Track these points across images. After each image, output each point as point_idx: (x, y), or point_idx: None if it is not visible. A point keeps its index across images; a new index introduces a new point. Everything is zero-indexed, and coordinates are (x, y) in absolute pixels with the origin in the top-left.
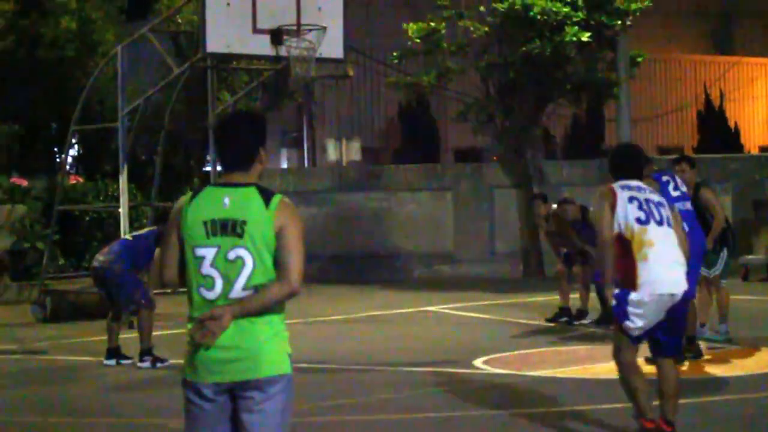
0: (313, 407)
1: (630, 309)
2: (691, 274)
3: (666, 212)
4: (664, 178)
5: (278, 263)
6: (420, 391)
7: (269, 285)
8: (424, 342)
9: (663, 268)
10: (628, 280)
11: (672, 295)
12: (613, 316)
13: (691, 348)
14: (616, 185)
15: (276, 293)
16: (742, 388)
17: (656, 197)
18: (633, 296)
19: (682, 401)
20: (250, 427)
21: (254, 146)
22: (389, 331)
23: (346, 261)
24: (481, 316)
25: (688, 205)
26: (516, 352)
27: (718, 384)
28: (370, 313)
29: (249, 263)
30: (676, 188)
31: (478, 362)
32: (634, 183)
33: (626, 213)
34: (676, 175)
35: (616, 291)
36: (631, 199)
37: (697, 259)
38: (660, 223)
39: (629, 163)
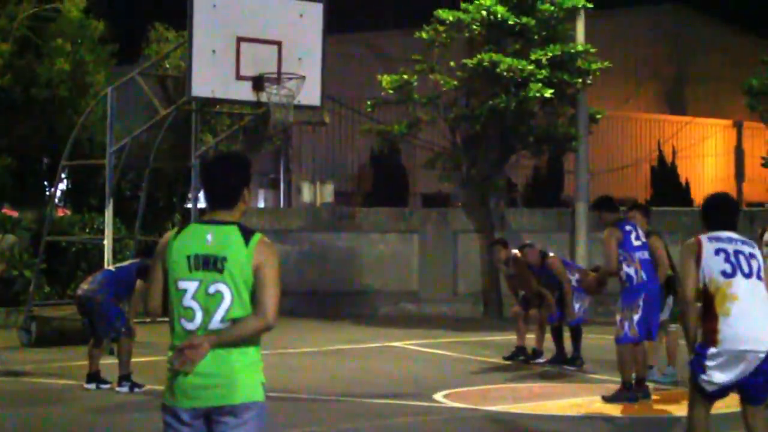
0: None
1: (708, 363)
2: (652, 322)
3: (757, 264)
4: (627, 228)
5: (255, 298)
6: (382, 422)
7: (246, 318)
8: (387, 375)
9: (746, 323)
10: (709, 335)
11: (756, 352)
12: (690, 369)
13: (639, 389)
14: (704, 237)
15: (252, 327)
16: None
17: (748, 249)
18: (711, 351)
19: None
20: None
21: (239, 186)
22: (355, 364)
23: (317, 297)
24: (443, 352)
25: (647, 254)
26: (474, 388)
27: (668, 423)
28: (337, 347)
29: (227, 297)
30: (637, 238)
31: (438, 396)
32: (725, 234)
33: (711, 266)
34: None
35: (697, 345)
36: (717, 252)
37: (652, 307)
38: (748, 275)
39: (720, 213)
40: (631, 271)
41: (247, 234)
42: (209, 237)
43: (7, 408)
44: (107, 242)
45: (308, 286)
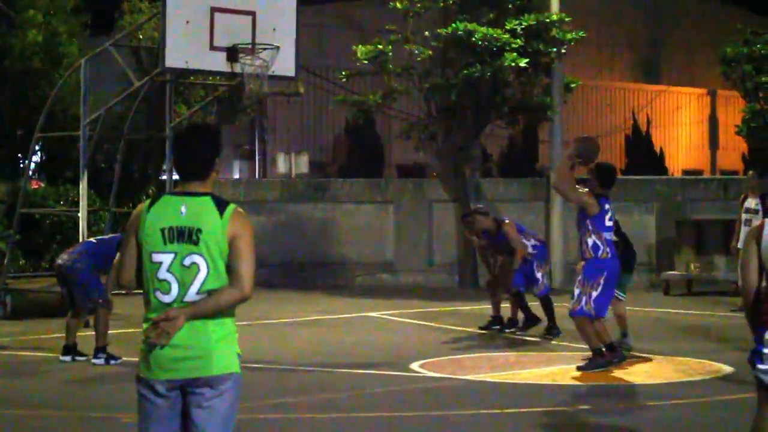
0: (258, 405)
1: (765, 351)
2: (607, 297)
3: None
4: (606, 206)
5: (230, 269)
6: (358, 392)
7: (222, 290)
8: (363, 346)
9: None
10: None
11: None
12: (749, 363)
13: (613, 354)
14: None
15: (228, 298)
16: (668, 395)
17: None
18: None
19: (608, 406)
20: (199, 421)
21: (211, 158)
22: (331, 334)
23: (292, 268)
24: (419, 322)
25: (613, 236)
26: (450, 357)
27: (629, 391)
28: (313, 318)
29: (203, 269)
30: (611, 218)
31: (414, 365)
32: None
33: None
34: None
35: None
36: None
37: (611, 285)
38: None
39: None
40: (599, 242)
41: (221, 205)
42: (183, 209)
43: None
44: (82, 214)
45: (284, 257)
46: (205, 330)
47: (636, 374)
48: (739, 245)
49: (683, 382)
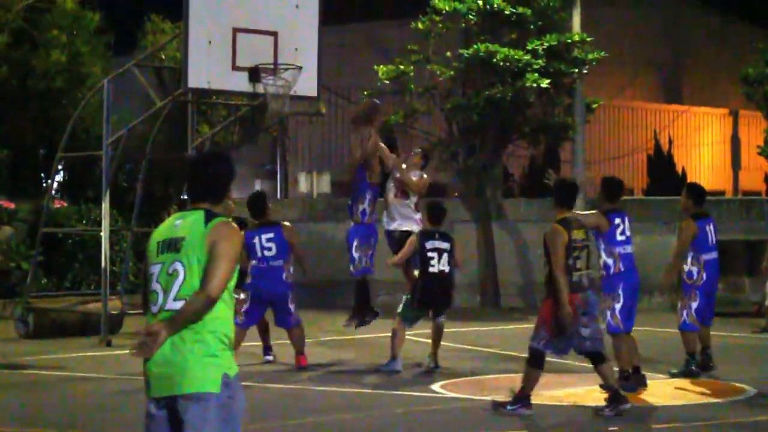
0: (279, 425)
1: None
2: (633, 312)
3: None
4: (617, 220)
5: (203, 273)
6: (380, 411)
7: (192, 295)
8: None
9: None
10: None
11: None
12: None
13: (637, 378)
14: None
15: (195, 301)
16: (672, 419)
17: None
18: None
19: (630, 428)
20: None
21: (223, 183)
22: (352, 354)
23: (314, 287)
24: (441, 342)
25: (629, 249)
26: (472, 378)
27: (652, 413)
28: (335, 337)
29: (181, 275)
30: (623, 232)
31: (436, 386)
32: None
33: None
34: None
35: None
36: None
37: (630, 296)
38: None
39: None
40: (610, 261)
41: (210, 216)
42: (178, 223)
43: (5, 398)
44: (104, 233)
45: (306, 276)
46: (183, 347)
47: (659, 396)
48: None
49: (706, 404)
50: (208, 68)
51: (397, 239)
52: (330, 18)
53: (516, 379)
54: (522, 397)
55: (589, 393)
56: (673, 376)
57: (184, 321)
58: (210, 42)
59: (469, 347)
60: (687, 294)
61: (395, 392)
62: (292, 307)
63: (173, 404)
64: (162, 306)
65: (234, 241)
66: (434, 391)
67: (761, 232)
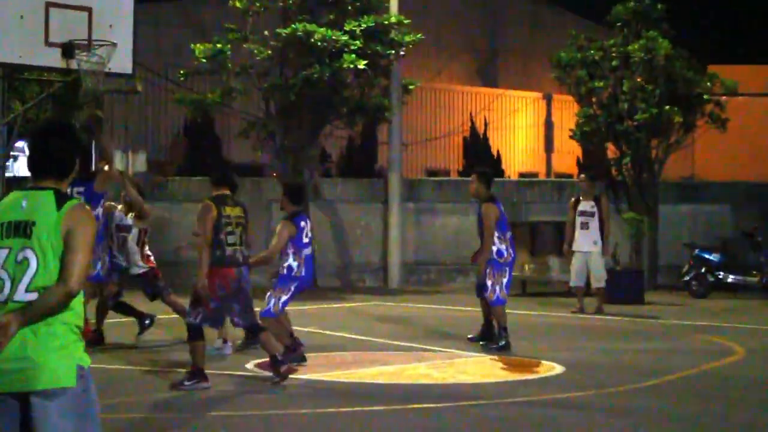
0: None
1: None
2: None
3: None
4: (302, 224)
5: (61, 264)
6: (190, 392)
7: (49, 288)
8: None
9: None
10: None
11: None
12: None
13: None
14: None
15: (53, 295)
16: (497, 394)
17: None
18: None
19: (435, 405)
20: None
21: (70, 158)
22: (160, 334)
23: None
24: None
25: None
26: None
27: (475, 389)
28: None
29: (33, 264)
30: (308, 235)
31: (249, 365)
32: None
33: None
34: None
35: None
36: None
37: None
38: None
39: None
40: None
41: (61, 199)
42: (24, 203)
43: None
44: None
45: None
46: (35, 341)
47: (470, 374)
48: (575, 248)
49: (515, 381)
50: (20, 43)
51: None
52: None
53: (330, 357)
54: (196, 372)
55: (404, 371)
56: (472, 340)
57: (41, 315)
58: (22, 16)
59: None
60: (499, 271)
61: (208, 372)
62: None
63: (23, 400)
64: (9, 296)
65: (91, 228)
66: (248, 370)
67: None
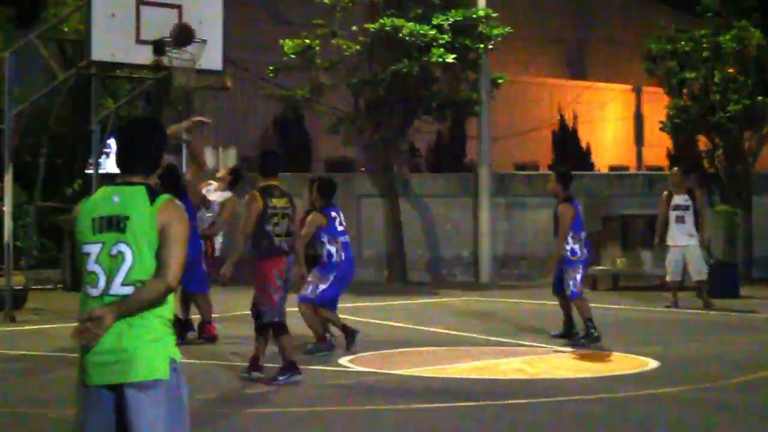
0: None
1: None
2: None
3: None
4: (333, 214)
5: (158, 260)
6: (291, 386)
7: (147, 282)
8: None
9: None
10: None
11: None
12: None
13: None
14: None
15: (152, 290)
16: (592, 390)
17: None
18: None
19: (532, 401)
20: (131, 427)
21: (157, 152)
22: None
23: (218, 259)
24: (348, 317)
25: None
26: (380, 352)
27: (570, 385)
28: (239, 312)
29: (128, 258)
30: (341, 223)
31: (344, 360)
32: None
33: None
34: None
35: None
36: None
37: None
38: None
39: None
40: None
41: (153, 194)
42: (116, 198)
43: None
44: (7, 208)
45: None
46: (129, 333)
47: (565, 368)
48: (671, 243)
49: (610, 377)
50: (112, 41)
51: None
52: None
53: (422, 353)
54: (290, 365)
55: (496, 366)
56: (555, 337)
57: (137, 309)
58: (113, 14)
59: (377, 321)
60: (572, 267)
61: (303, 367)
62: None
63: (118, 392)
64: (105, 290)
65: (185, 223)
66: (342, 365)
67: None
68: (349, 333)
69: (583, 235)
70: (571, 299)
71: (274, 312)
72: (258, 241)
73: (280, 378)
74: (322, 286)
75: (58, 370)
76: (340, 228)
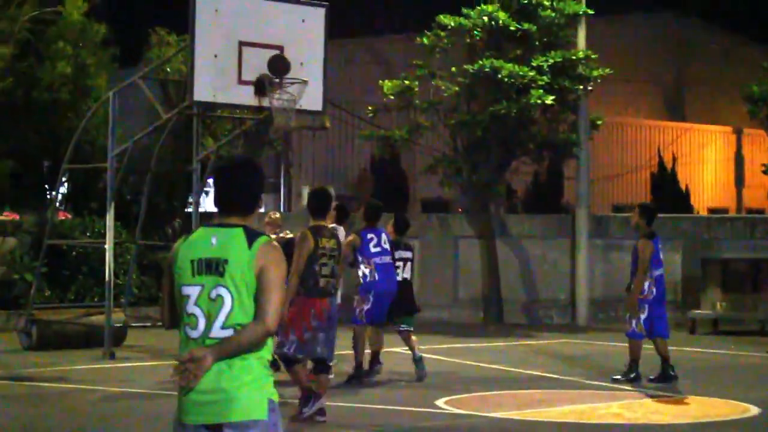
0: None
1: None
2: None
3: None
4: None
5: (257, 304)
6: (383, 427)
7: (246, 325)
8: (388, 381)
9: None
10: None
11: None
12: None
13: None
14: None
15: (251, 333)
16: None
17: None
18: None
19: None
20: None
21: (255, 193)
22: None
23: None
24: (444, 358)
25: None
26: (475, 394)
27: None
28: (337, 353)
29: (228, 302)
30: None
31: (439, 402)
32: None
33: None
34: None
35: None
36: None
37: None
38: None
39: None
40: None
41: (251, 236)
42: (214, 240)
43: (7, 410)
44: (108, 246)
45: None
46: (229, 374)
47: (663, 413)
48: None
49: (708, 423)
50: (214, 81)
51: None
52: (336, 32)
53: (519, 395)
54: (308, 396)
55: (594, 410)
56: (652, 381)
57: (237, 349)
58: (216, 55)
59: (473, 363)
60: (639, 306)
61: (398, 407)
62: None
63: (216, 431)
64: (205, 333)
65: (283, 266)
66: (437, 407)
67: (765, 250)
68: (375, 362)
69: (656, 273)
70: (629, 337)
71: (293, 345)
72: (304, 279)
73: (305, 410)
74: (366, 307)
75: (157, 407)
76: (374, 250)
